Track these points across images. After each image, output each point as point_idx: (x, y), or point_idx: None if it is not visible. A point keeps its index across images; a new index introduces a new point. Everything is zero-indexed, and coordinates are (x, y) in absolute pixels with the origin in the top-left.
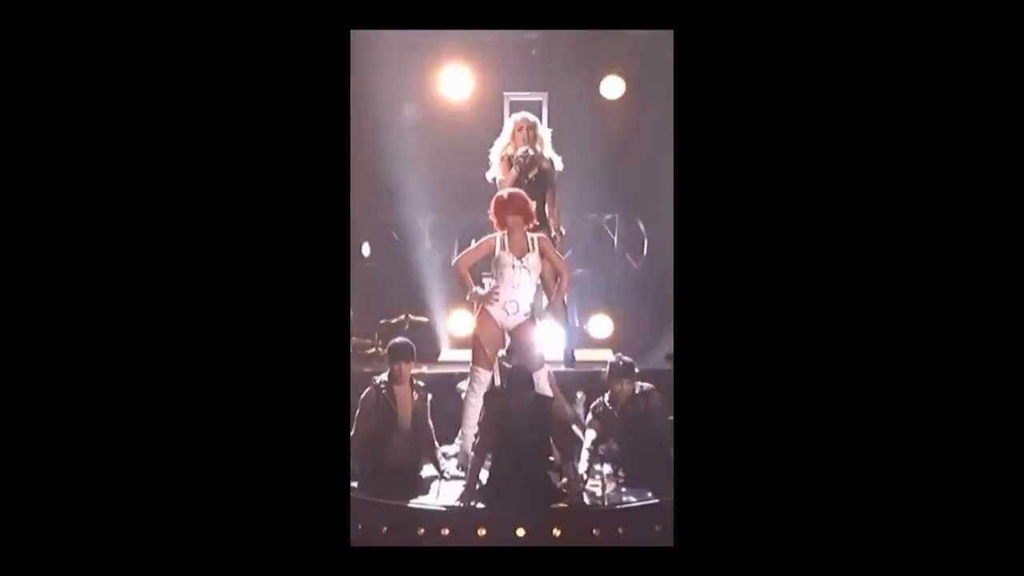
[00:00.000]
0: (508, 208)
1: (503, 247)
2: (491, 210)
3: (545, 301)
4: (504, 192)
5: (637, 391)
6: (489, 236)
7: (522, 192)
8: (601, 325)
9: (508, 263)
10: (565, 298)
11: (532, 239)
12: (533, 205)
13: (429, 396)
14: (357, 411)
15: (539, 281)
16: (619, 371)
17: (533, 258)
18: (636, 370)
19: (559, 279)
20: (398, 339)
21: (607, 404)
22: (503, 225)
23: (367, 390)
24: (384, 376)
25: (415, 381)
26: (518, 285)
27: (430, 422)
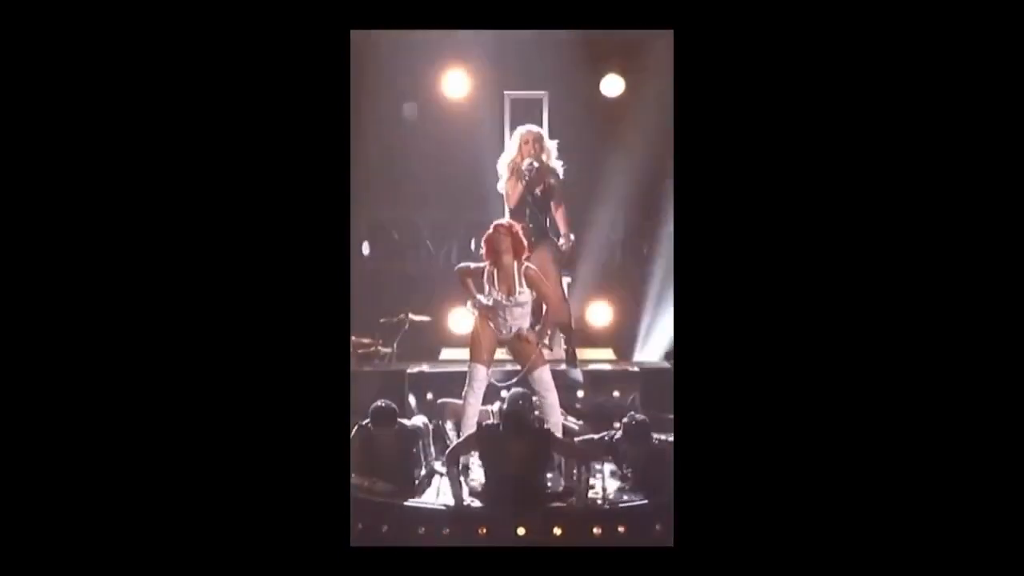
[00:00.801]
0: (496, 244)
1: (491, 282)
2: (483, 247)
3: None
4: (492, 227)
5: (656, 443)
6: (484, 264)
7: (511, 225)
8: (600, 314)
9: (499, 300)
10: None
11: (520, 274)
12: (523, 236)
13: (428, 427)
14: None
15: (529, 309)
16: (635, 432)
17: (523, 295)
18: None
19: (544, 311)
20: (380, 403)
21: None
22: (492, 260)
23: (354, 430)
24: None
25: (400, 422)
26: (509, 319)
27: (422, 449)
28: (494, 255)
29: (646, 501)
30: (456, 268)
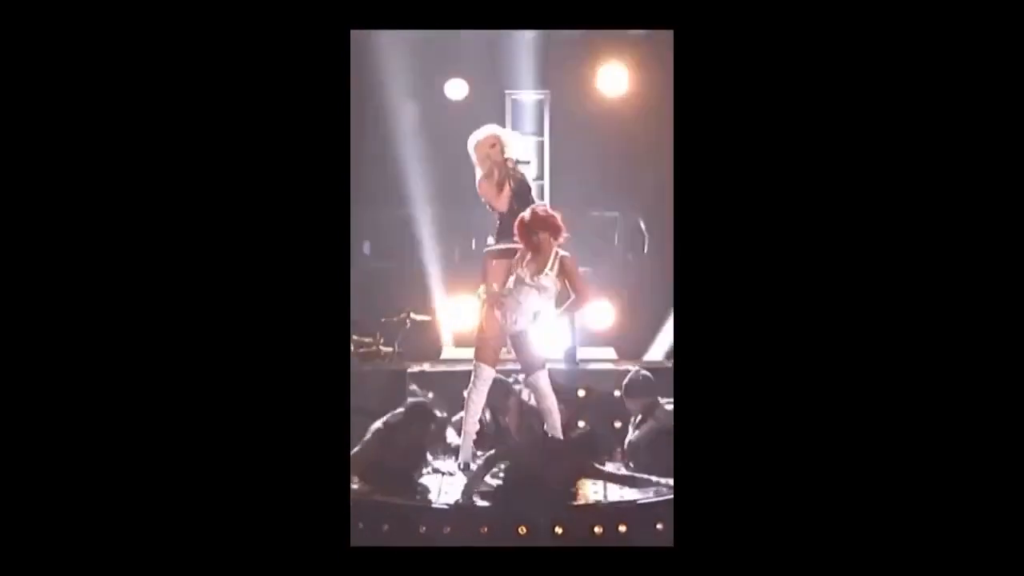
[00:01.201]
0: (532, 227)
1: (522, 261)
2: (515, 232)
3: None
4: (527, 212)
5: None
6: (516, 245)
7: (545, 208)
8: (601, 314)
9: (521, 278)
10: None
11: (555, 259)
12: (559, 219)
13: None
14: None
15: (549, 297)
16: (635, 389)
17: (548, 279)
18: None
19: (574, 298)
20: (416, 399)
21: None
22: (529, 244)
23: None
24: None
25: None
26: (522, 302)
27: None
28: (530, 235)
29: (650, 493)
30: (485, 250)
